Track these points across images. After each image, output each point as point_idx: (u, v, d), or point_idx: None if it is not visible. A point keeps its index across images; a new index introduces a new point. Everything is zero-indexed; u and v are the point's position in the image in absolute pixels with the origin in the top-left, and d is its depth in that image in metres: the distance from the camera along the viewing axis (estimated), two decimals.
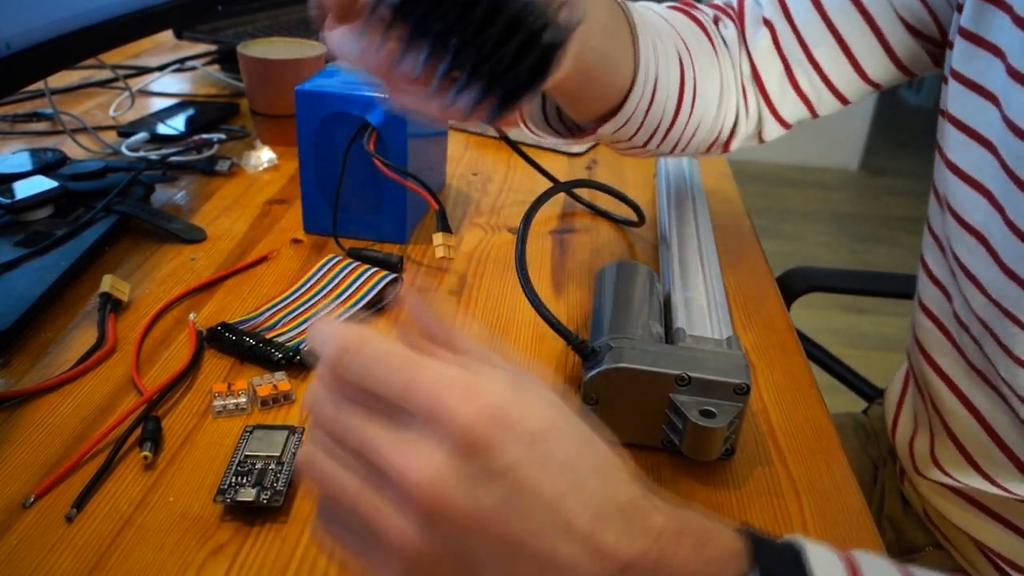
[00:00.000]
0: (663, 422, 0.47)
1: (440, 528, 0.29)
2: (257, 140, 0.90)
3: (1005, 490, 0.57)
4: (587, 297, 0.64)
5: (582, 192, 0.80)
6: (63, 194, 0.69)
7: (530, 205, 0.58)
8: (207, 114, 0.96)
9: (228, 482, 0.43)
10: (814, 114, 0.67)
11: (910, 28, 0.61)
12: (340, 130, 0.65)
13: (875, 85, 0.65)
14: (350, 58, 0.39)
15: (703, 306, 0.55)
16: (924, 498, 0.66)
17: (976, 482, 0.58)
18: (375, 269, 0.62)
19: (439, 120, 0.35)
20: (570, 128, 0.62)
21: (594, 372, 0.47)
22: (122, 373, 0.53)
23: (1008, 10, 0.50)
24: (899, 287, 1.03)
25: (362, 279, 0.61)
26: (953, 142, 0.55)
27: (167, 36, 1.22)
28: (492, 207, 0.79)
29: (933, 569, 0.33)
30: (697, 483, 0.47)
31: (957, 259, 0.55)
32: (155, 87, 1.08)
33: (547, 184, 0.71)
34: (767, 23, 0.64)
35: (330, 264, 0.63)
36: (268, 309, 0.58)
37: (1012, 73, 0.49)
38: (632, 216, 0.76)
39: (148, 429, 0.47)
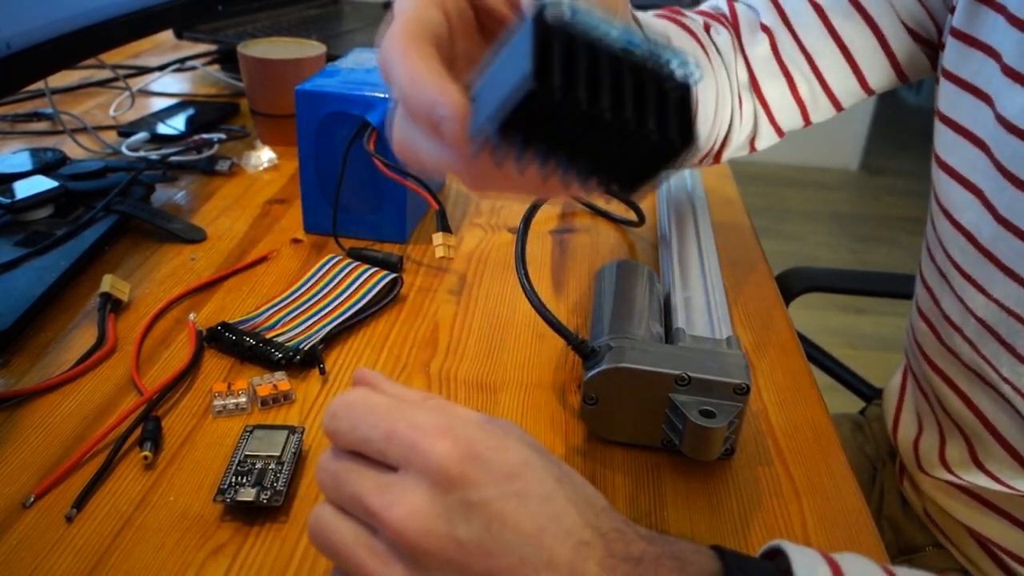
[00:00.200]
0: (663, 422, 0.47)
1: (427, 564, 0.30)
2: (257, 140, 0.90)
3: (1009, 487, 0.57)
4: (587, 297, 0.64)
5: None
6: (63, 194, 0.69)
7: (530, 205, 0.58)
8: (207, 114, 0.96)
9: (228, 482, 0.43)
10: (808, 122, 0.67)
11: (911, 32, 0.61)
12: (340, 130, 0.65)
13: (872, 91, 0.65)
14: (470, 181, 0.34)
15: (703, 306, 0.55)
16: (925, 496, 0.66)
17: (980, 480, 0.59)
18: (375, 269, 0.62)
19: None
20: None
21: (594, 372, 0.47)
22: (122, 373, 0.53)
23: (1002, 10, 0.50)
24: (896, 287, 1.03)
25: (362, 279, 0.61)
26: (944, 141, 0.56)
27: (167, 36, 1.22)
28: (492, 207, 0.79)
29: (933, 569, 0.33)
30: (697, 483, 0.47)
31: (951, 260, 0.55)
32: (155, 87, 1.08)
33: None
34: (765, 30, 0.64)
35: (330, 264, 0.63)
36: (268, 309, 0.58)
37: (1007, 72, 0.50)
38: (632, 216, 0.76)
39: (148, 429, 0.47)
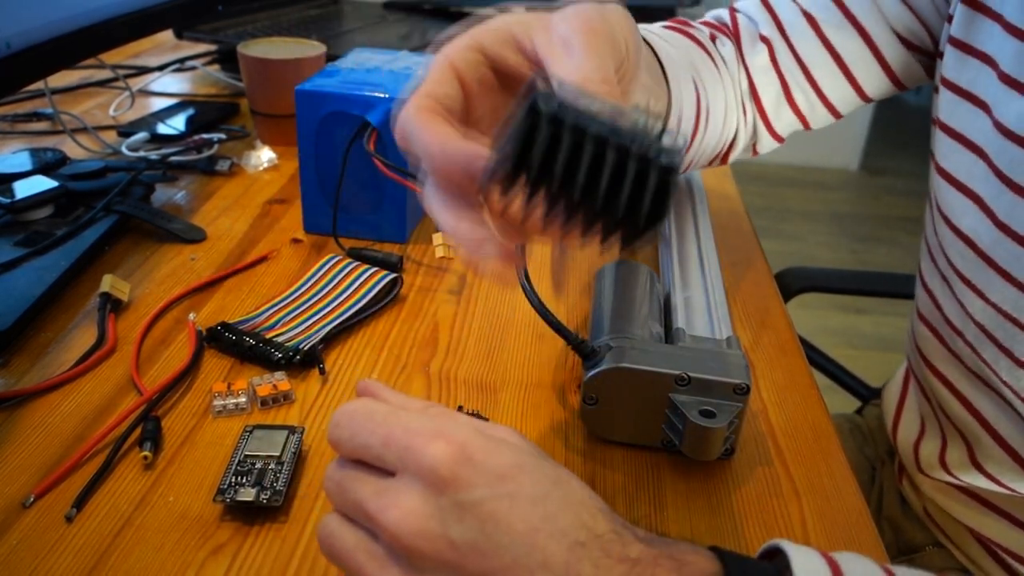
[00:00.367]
0: (663, 422, 0.47)
1: (422, 565, 0.31)
2: (257, 140, 0.90)
3: (1010, 489, 0.57)
4: (587, 297, 0.64)
5: None
6: (63, 194, 0.69)
7: None
8: (207, 114, 0.96)
9: (228, 482, 0.43)
10: (807, 127, 0.69)
11: (904, 41, 0.62)
12: (340, 130, 0.65)
13: (869, 99, 0.67)
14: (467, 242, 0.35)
15: (703, 306, 0.55)
16: (925, 496, 0.66)
17: (980, 482, 0.59)
18: (375, 269, 0.62)
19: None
20: None
21: (594, 372, 0.47)
22: (122, 373, 0.53)
23: (998, 18, 0.51)
24: (894, 287, 1.03)
25: (362, 279, 0.61)
26: (943, 149, 0.56)
27: (167, 36, 1.22)
28: None
29: (934, 568, 0.33)
30: (697, 483, 0.47)
31: (952, 265, 0.55)
32: (155, 87, 1.08)
33: None
34: (764, 40, 0.66)
35: (330, 264, 0.63)
36: (268, 309, 0.58)
37: (1004, 79, 0.50)
38: None
39: (148, 429, 0.47)
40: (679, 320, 0.53)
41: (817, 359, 0.99)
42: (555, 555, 0.30)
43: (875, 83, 0.65)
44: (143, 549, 0.40)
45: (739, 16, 0.68)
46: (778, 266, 0.88)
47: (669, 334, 0.53)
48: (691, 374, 0.45)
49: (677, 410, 0.45)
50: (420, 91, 0.36)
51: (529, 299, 0.50)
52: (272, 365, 0.53)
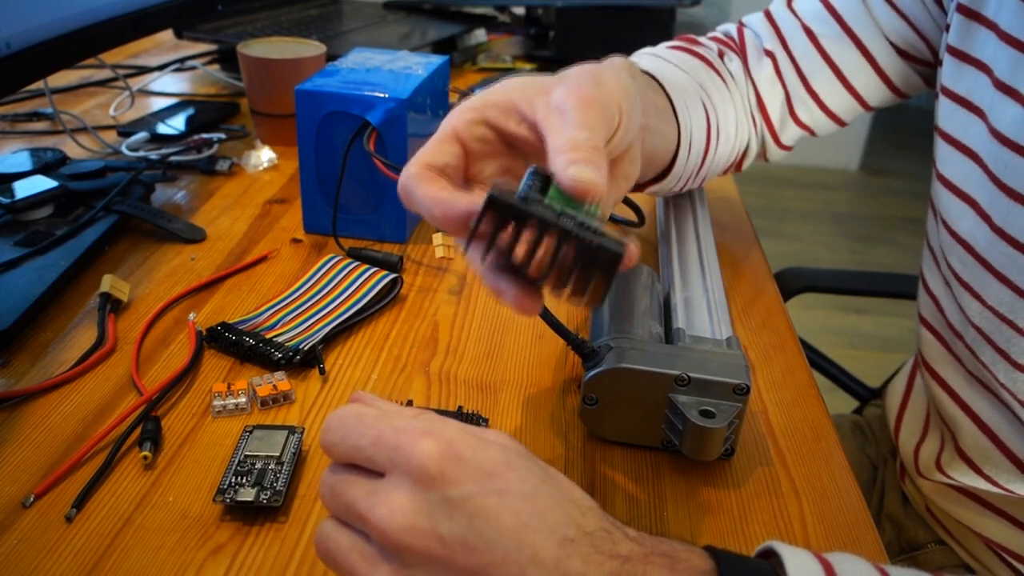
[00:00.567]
0: (663, 422, 0.47)
1: (412, 562, 0.31)
2: (257, 140, 0.90)
3: (1009, 491, 0.57)
4: None
5: None
6: (63, 194, 0.69)
7: None
8: (207, 114, 0.96)
9: (228, 482, 0.43)
10: (814, 135, 0.71)
11: (901, 53, 0.64)
12: (340, 130, 0.65)
13: (870, 108, 0.69)
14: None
15: (703, 306, 0.55)
16: (927, 496, 0.66)
17: (980, 484, 0.59)
18: (375, 269, 0.62)
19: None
20: None
21: (594, 372, 0.47)
22: (122, 373, 0.53)
23: (993, 27, 0.52)
24: (894, 287, 1.03)
25: (362, 279, 0.61)
26: (942, 155, 0.57)
27: (167, 36, 1.22)
28: None
29: (936, 565, 0.34)
30: (697, 483, 0.47)
31: (951, 269, 0.56)
32: (155, 87, 1.08)
33: None
34: (768, 54, 0.68)
35: (330, 264, 0.63)
36: (268, 309, 0.58)
37: (998, 86, 0.51)
38: (632, 216, 0.76)
39: (148, 429, 0.47)
40: (679, 320, 0.53)
41: (817, 359, 0.99)
42: (545, 550, 0.30)
43: (874, 93, 0.67)
44: (143, 549, 0.40)
45: (745, 31, 0.70)
46: (778, 266, 0.88)
47: (669, 334, 0.53)
48: (691, 374, 0.45)
49: (677, 410, 0.45)
50: (418, 158, 0.40)
51: None
52: (272, 365, 0.53)
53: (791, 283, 0.98)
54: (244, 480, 0.43)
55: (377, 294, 0.60)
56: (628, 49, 0.71)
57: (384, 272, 0.62)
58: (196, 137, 0.85)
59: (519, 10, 1.37)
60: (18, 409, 0.49)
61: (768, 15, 0.69)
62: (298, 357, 0.53)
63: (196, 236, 0.69)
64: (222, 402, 0.50)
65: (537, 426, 0.51)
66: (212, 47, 1.17)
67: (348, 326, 0.58)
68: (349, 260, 0.63)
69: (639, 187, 0.62)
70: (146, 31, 0.78)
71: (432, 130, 0.42)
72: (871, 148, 3.37)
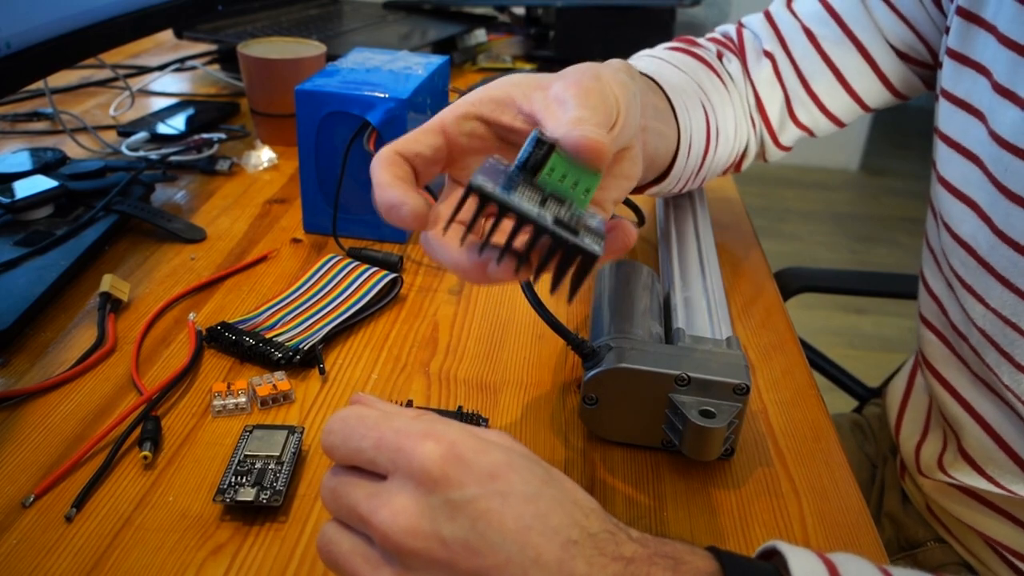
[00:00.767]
0: (663, 422, 0.47)
1: (415, 564, 0.31)
2: (257, 140, 0.90)
3: (1011, 492, 0.57)
4: (587, 297, 0.64)
5: None
6: (63, 193, 0.69)
7: None
8: (207, 114, 0.96)
9: (228, 482, 0.43)
10: (813, 136, 0.71)
11: (901, 55, 0.64)
12: (340, 130, 0.65)
13: (870, 110, 0.69)
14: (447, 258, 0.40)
15: (703, 306, 0.55)
16: (927, 495, 0.66)
17: (981, 484, 0.59)
18: (375, 269, 0.62)
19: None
20: None
21: (594, 372, 0.47)
22: (122, 373, 0.53)
23: (992, 29, 0.52)
24: (894, 287, 1.03)
25: (362, 279, 0.61)
26: (942, 157, 0.57)
27: (167, 36, 1.22)
28: None
29: (936, 563, 0.33)
30: (697, 483, 0.47)
31: (953, 271, 0.56)
32: (155, 87, 1.08)
33: None
34: (768, 55, 0.68)
35: (330, 264, 0.63)
36: (268, 309, 0.58)
37: (997, 89, 0.51)
38: (632, 216, 0.76)
39: (148, 429, 0.47)
40: (679, 320, 0.53)
41: (817, 359, 0.99)
42: (548, 553, 0.30)
43: (874, 95, 0.66)
44: (143, 549, 0.40)
45: (745, 31, 0.70)
46: (778, 266, 0.88)
47: (669, 334, 0.53)
48: (691, 374, 0.45)
49: (677, 410, 0.45)
50: (393, 144, 0.40)
51: (529, 299, 0.50)
52: (272, 365, 0.53)
53: (791, 283, 0.98)
54: (244, 480, 0.43)
55: (377, 294, 0.60)
56: (628, 49, 0.71)
57: (384, 272, 0.62)
58: (196, 137, 0.85)
59: (519, 10, 1.37)
60: (18, 409, 0.49)
61: (768, 16, 0.69)
62: (298, 357, 0.53)
63: (196, 236, 0.69)
64: (222, 402, 0.50)
65: (537, 426, 0.51)
66: (212, 47, 1.17)
67: (348, 326, 0.58)
68: (349, 260, 0.63)
69: (638, 189, 0.62)
70: (146, 31, 0.78)
71: None
72: (871, 148, 3.37)
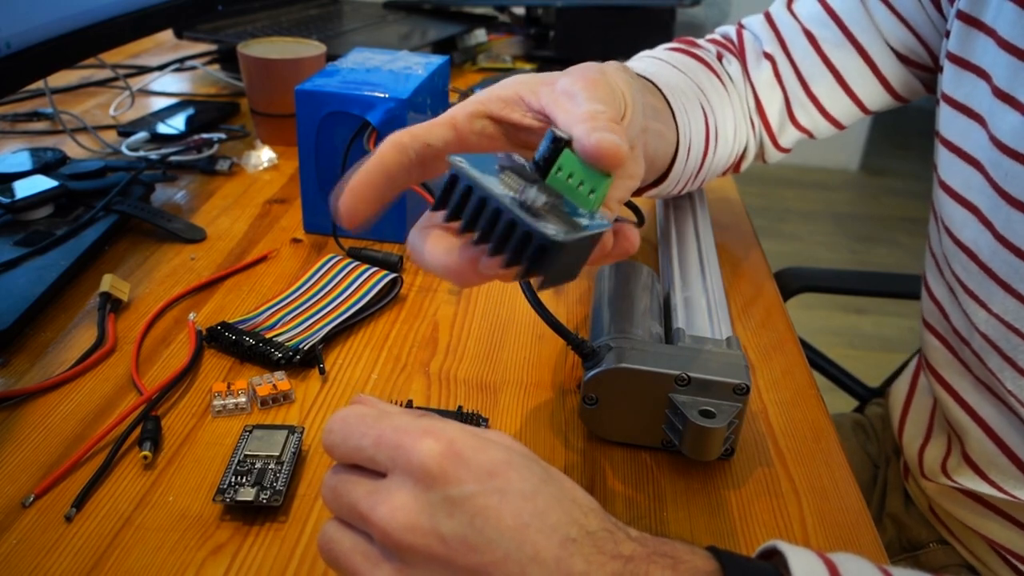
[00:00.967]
0: (663, 422, 0.47)
1: (414, 561, 0.31)
2: (257, 140, 0.90)
3: (1013, 496, 0.57)
4: (587, 297, 0.64)
5: None
6: (63, 193, 0.69)
7: None
8: (207, 114, 0.96)
9: (228, 482, 0.43)
10: (812, 137, 0.71)
11: (901, 58, 0.64)
12: (340, 130, 0.65)
13: (870, 112, 0.68)
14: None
15: (702, 306, 0.55)
16: (930, 497, 0.66)
17: (984, 488, 0.59)
18: (375, 268, 0.62)
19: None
20: None
21: (594, 372, 0.47)
22: (122, 373, 0.53)
23: (991, 33, 0.52)
24: (893, 287, 1.03)
25: (362, 279, 0.61)
26: (943, 162, 0.57)
27: (167, 36, 1.22)
28: None
29: (938, 565, 0.33)
30: (697, 483, 0.47)
31: (955, 276, 0.56)
32: (155, 86, 1.08)
33: None
34: (768, 57, 0.68)
35: (330, 264, 0.63)
36: (268, 309, 0.58)
37: (997, 93, 0.51)
38: (632, 216, 0.76)
39: (148, 429, 0.47)
40: (679, 320, 0.53)
41: (817, 359, 0.99)
42: (546, 550, 0.30)
43: (874, 98, 0.66)
44: (143, 549, 0.40)
45: (745, 33, 0.70)
46: (778, 266, 0.88)
47: (669, 334, 0.53)
48: (691, 374, 0.45)
49: (677, 410, 0.45)
50: (408, 129, 0.41)
51: (528, 299, 0.50)
52: (272, 365, 0.53)
53: (791, 283, 0.98)
54: (244, 480, 0.43)
55: (377, 294, 0.60)
56: (628, 49, 0.71)
57: (384, 272, 0.62)
58: (196, 137, 0.85)
59: (519, 10, 1.37)
60: (18, 409, 0.49)
61: (768, 17, 0.69)
62: (298, 357, 0.53)
63: (196, 236, 0.69)
64: (222, 402, 0.50)
65: (537, 426, 0.51)
66: (212, 47, 1.17)
67: (348, 326, 0.58)
68: (349, 260, 0.63)
69: (638, 191, 0.62)
70: (146, 31, 0.78)
71: None
72: (871, 148, 3.37)
